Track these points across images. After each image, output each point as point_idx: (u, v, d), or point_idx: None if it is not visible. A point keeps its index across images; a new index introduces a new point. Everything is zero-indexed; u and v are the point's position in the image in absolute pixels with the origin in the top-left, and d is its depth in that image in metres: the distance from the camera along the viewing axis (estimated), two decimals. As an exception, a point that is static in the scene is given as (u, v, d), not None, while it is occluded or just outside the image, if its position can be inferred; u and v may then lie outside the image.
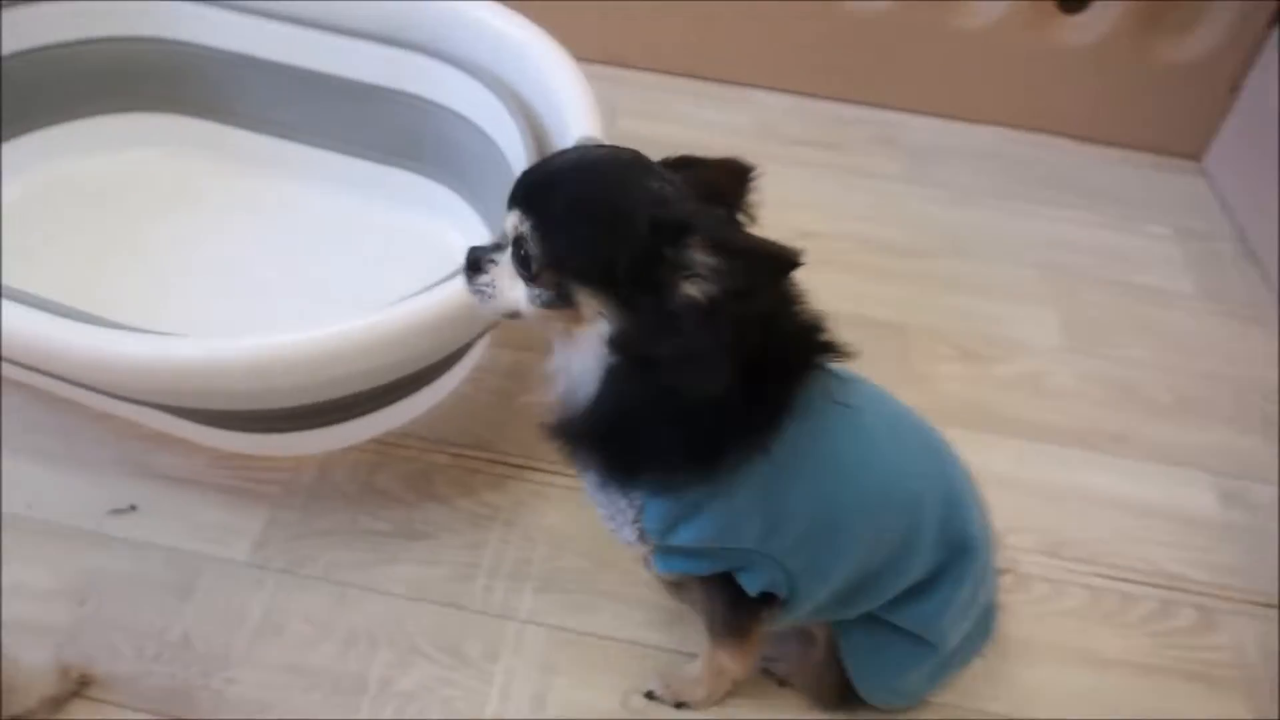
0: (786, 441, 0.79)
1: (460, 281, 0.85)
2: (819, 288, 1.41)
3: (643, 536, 0.85)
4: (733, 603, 0.90)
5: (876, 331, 1.38)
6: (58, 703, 0.97)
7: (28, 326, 0.95)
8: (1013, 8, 1.63)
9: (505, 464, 1.19)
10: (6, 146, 1.40)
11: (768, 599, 0.87)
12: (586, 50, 1.55)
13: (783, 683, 1.04)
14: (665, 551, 0.87)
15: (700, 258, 0.70)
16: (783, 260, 0.71)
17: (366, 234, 1.41)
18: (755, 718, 1.02)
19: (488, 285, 0.80)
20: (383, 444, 1.19)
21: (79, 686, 0.98)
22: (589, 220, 0.75)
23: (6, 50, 1.35)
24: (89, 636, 1.01)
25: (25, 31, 1.37)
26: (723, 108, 1.80)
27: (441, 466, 1.18)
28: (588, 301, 0.74)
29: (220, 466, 1.16)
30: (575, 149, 0.81)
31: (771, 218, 1.56)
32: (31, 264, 1.28)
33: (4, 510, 1.11)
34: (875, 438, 0.88)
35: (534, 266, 0.75)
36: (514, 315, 0.79)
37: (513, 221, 0.76)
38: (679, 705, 1.01)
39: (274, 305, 1.30)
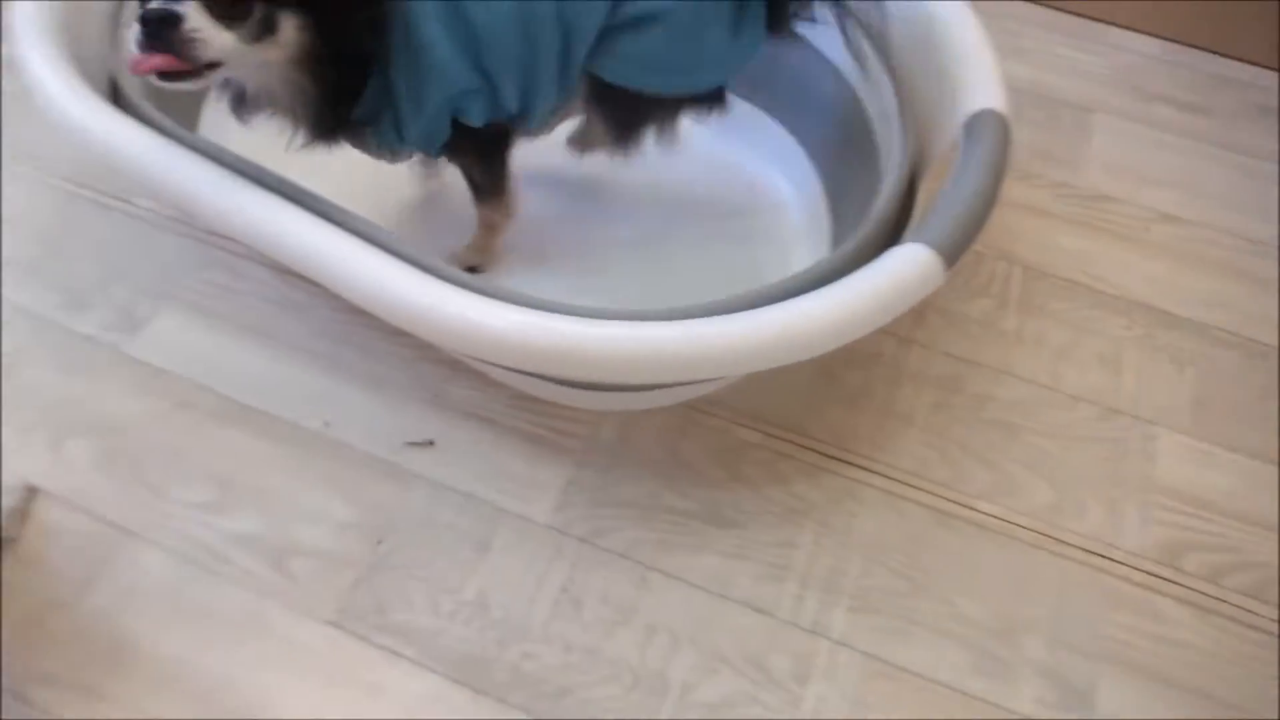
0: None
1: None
2: (1174, 287, 1.26)
3: (411, 152, 1.05)
4: (481, 155, 1.09)
5: (1245, 351, 1.22)
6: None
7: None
8: None
9: (818, 452, 1.09)
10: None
11: (501, 139, 1.07)
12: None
13: None
14: (419, 145, 1.03)
15: None
16: None
17: (688, 164, 1.28)
18: None
19: (193, 39, 0.83)
20: (691, 409, 1.11)
21: None
22: None
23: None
24: (385, 579, 0.98)
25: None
26: (1077, 45, 1.60)
27: (752, 445, 1.09)
28: (288, 22, 0.87)
29: (518, 408, 1.10)
30: None
31: (1125, 191, 1.40)
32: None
33: (303, 426, 1.08)
34: None
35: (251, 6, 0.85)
36: (211, 66, 0.86)
37: None
38: (470, 269, 1.12)
39: (590, 237, 1.23)
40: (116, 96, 1.08)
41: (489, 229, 1.17)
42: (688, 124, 1.16)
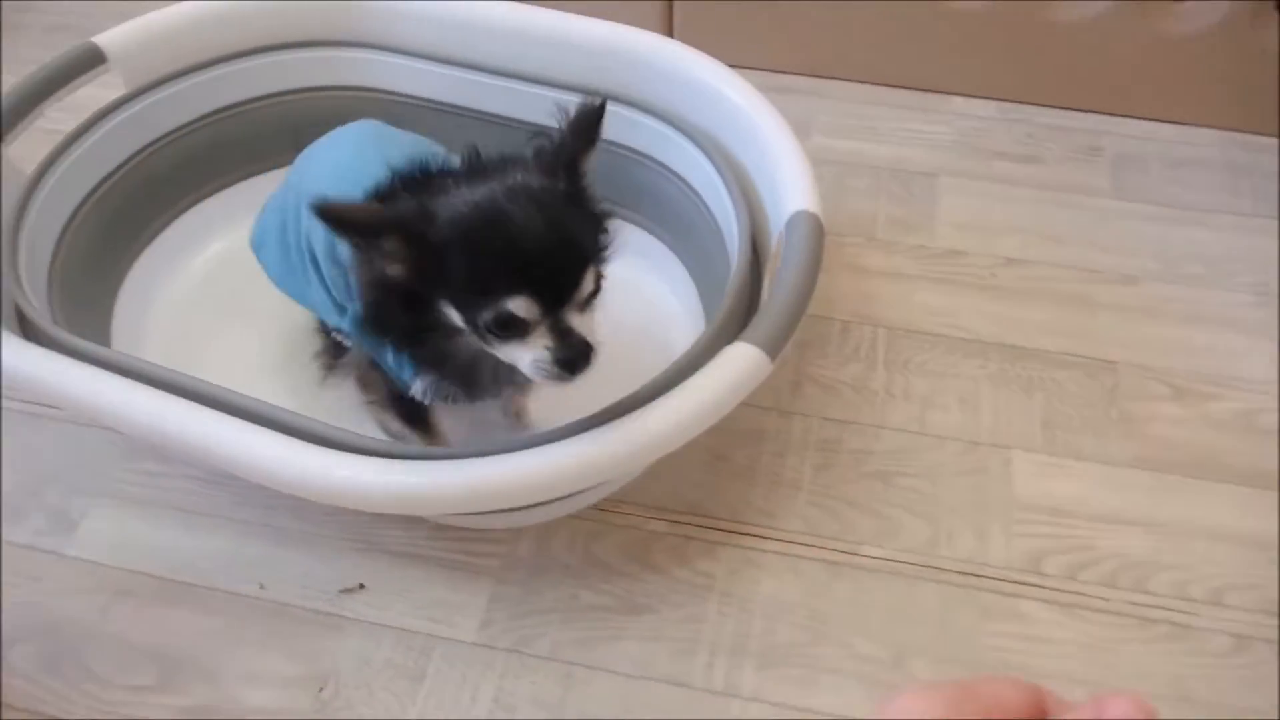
0: None
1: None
2: (1020, 322, 1.45)
3: None
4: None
5: (1086, 369, 1.40)
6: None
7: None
8: (1233, 8, 1.59)
9: (718, 529, 1.25)
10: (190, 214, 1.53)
11: None
12: (780, 61, 1.57)
13: None
14: None
15: None
16: None
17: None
18: None
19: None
20: (601, 510, 1.26)
21: None
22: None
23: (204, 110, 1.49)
24: (331, 724, 1.11)
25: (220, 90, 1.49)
26: (924, 118, 1.81)
27: (659, 534, 1.24)
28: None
29: (439, 539, 1.24)
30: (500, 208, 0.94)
31: (973, 244, 1.60)
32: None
33: (239, 592, 1.21)
34: None
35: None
36: None
37: (583, 292, 0.94)
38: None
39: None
40: (22, 320, 1.23)
41: None
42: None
